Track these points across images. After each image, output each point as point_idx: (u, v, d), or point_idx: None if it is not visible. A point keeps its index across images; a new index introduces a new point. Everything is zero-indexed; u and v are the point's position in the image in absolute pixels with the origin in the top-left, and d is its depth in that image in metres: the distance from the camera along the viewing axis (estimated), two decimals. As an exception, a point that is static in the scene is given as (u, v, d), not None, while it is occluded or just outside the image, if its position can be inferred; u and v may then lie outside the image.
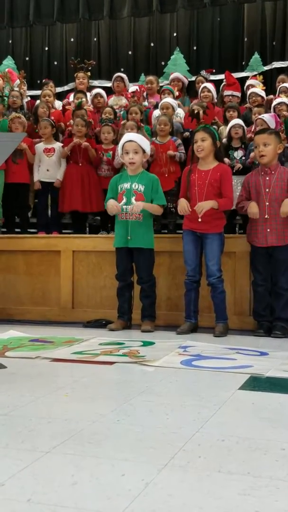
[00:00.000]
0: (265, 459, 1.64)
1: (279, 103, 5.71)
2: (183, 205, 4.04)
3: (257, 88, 6.36)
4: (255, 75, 7.02)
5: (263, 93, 6.29)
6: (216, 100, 6.38)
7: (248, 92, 6.39)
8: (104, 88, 7.54)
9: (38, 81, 9.41)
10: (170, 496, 1.38)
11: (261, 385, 2.56)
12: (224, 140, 5.41)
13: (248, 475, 1.51)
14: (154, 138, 5.42)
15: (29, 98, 7.24)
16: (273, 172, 4.07)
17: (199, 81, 6.97)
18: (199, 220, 3.97)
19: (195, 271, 4.12)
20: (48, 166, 5.63)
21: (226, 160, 4.93)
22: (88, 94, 6.80)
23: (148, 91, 6.92)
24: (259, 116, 5.19)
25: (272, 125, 4.98)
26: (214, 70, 8.04)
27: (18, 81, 7.22)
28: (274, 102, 5.83)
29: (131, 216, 4.14)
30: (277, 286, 4.07)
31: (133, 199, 4.16)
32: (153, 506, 1.34)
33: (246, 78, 8.06)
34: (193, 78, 8.04)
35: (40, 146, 5.68)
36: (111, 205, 4.17)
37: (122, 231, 4.20)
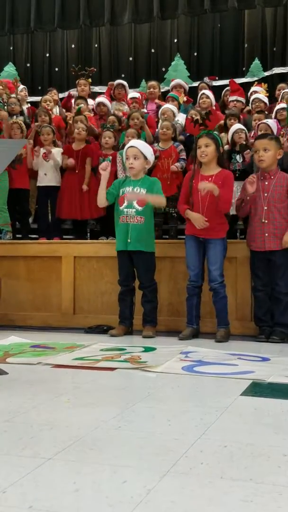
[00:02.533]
0: (267, 465, 1.63)
1: (281, 108, 5.73)
2: (200, 221, 4.02)
3: (261, 94, 6.37)
4: (260, 83, 7.04)
5: (266, 99, 6.31)
6: (214, 107, 6.39)
7: (252, 98, 6.40)
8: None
9: (40, 87, 9.45)
10: (172, 503, 1.37)
11: (263, 391, 2.56)
12: (226, 146, 5.41)
13: (251, 481, 1.51)
14: (156, 144, 5.42)
15: (29, 105, 7.25)
16: (272, 177, 4.09)
17: (201, 88, 6.99)
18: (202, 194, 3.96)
19: (198, 276, 4.12)
20: (46, 171, 5.64)
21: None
22: (91, 101, 6.81)
23: (150, 95, 6.94)
24: (263, 121, 5.21)
25: (275, 130, 5.00)
26: (217, 78, 8.06)
27: (21, 87, 7.24)
28: (277, 107, 5.84)
29: (132, 219, 4.15)
30: (276, 291, 4.07)
31: (134, 202, 4.18)
32: (155, 513, 1.33)
33: (247, 83, 8.09)
34: (194, 84, 8.07)
35: (39, 151, 5.69)
36: (105, 164, 4.21)
37: (123, 234, 4.21)
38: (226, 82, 7.62)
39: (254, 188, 4.00)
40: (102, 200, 4.28)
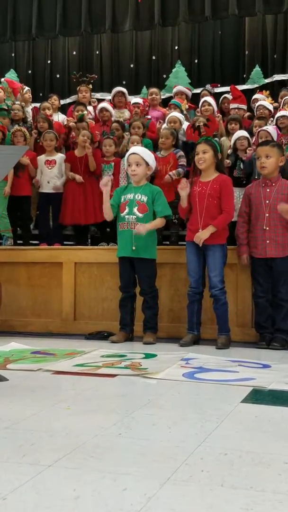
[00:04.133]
0: (268, 473, 1.63)
1: (282, 116, 5.75)
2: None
3: (266, 101, 6.39)
4: (261, 90, 7.06)
5: (270, 107, 6.32)
6: (216, 113, 6.41)
7: (256, 105, 6.42)
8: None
9: (41, 94, 9.48)
10: (172, 511, 1.37)
11: (264, 398, 2.55)
12: (230, 151, 5.42)
13: (251, 489, 1.50)
14: (158, 152, 5.43)
15: (33, 105, 7.21)
16: (273, 184, 4.10)
17: (203, 95, 7.01)
18: (200, 246, 4.00)
19: (198, 283, 4.12)
20: (49, 178, 5.64)
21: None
22: (91, 107, 6.83)
23: (151, 102, 6.96)
24: (263, 128, 5.22)
25: (275, 137, 5.01)
26: (219, 85, 8.09)
27: (25, 88, 7.24)
28: (278, 114, 5.86)
29: (133, 226, 4.17)
30: (277, 298, 4.07)
31: (135, 209, 4.18)
32: (156, 521, 1.33)
33: (247, 90, 8.11)
34: (195, 91, 8.10)
35: (42, 158, 5.70)
36: (106, 179, 4.25)
37: (126, 241, 4.21)
38: (227, 89, 7.65)
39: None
40: (108, 215, 4.30)
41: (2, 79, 7.50)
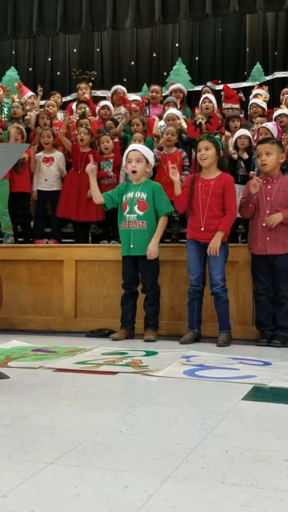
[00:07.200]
0: (268, 470, 1.63)
1: (279, 115, 5.73)
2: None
3: (260, 99, 6.37)
4: (261, 86, 7.04)
5: (264, 105, 6.31)
6: (217, 111, 6.40)
7: (250, 102, 6.40)
8: (107, 98, 7.56)
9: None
10: (173, 508, 1.38)
11: (265, 396, 2.55)
12: (232, 148, 5.41)
13: (252, 486, 1.51)
14: (163, 149, 5.43)
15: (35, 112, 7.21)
16: (275, 181, 4.10)
17: (204, 92, 6.99)
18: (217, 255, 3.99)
19: (199, 281, 4.12)
20: (46, 176, 5.64)
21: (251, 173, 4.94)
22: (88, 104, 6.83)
23: (152, 100, 6.94)
24: (263, 125, 5.21)
25: (275, 133, 5.00)
26: (220, 81, 8.07)
27: (29, 93, 7.24)
28: (275, 113, 5.84)
29: (134, 225, 4.17)
30: (278, 295, 4.08)
31: (135, 208, 4.19)
32: (157, 518, 1.33)
33: (248, 88, 8.10)
34: (195, 88, 8.07)
35: (40, 156, 5.70)
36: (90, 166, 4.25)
37: (126, 239, 4.23)
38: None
39: (257, 189, 4.01)
40: (96, 197, 4.34)
41: (15, 84, 7.48)
